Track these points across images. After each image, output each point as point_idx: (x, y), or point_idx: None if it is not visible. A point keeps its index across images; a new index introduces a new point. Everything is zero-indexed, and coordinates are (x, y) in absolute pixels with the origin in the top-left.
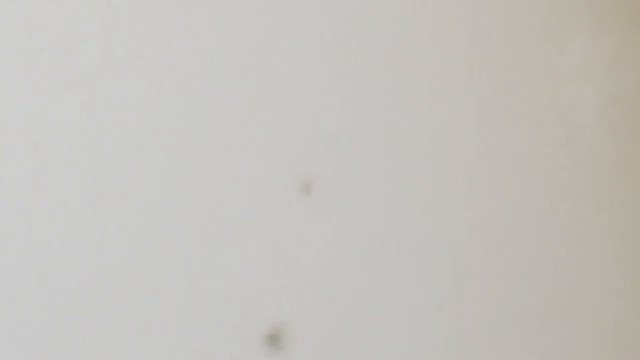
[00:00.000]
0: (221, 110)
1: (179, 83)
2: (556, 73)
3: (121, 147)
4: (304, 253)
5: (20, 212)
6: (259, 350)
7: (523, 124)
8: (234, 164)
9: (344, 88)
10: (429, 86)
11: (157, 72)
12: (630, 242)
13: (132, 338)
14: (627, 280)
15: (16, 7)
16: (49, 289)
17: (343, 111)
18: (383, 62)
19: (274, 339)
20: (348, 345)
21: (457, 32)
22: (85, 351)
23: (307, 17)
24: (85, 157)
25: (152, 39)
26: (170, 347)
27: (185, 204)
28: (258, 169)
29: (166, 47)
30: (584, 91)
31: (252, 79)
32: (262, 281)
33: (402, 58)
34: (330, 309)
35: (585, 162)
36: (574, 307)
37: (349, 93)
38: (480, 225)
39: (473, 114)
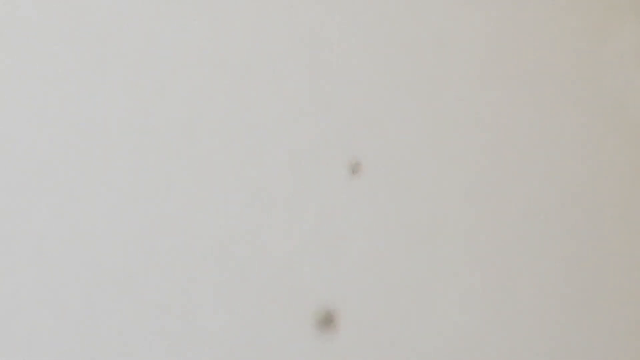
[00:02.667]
0: (273, 94)
1: (232, 65)
2: (604, 60)
3: (170, 126)
4: (353, 234)
5: (66, 209)
6: (310, 333)
7: (571, 111)
8: (283, 146)
9: (393, 72)
10: (475, 70)
11: (210, 52)
12: None
13: (182, 322)
14: None
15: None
16: (100, 271)
17: (392, 95)
18: (429, 45)
19: (325, 322)
20: (397, 327)
21: (504, 17)
22: (131, 334)
23: (355, 1)
24: (131, 140)
25: (202, 22)
26: (220, 330)
27: (235, 186)
28: (308, 151)
29: (218, 29)
30: (632, 78)
31: (303, 65)
32: (312, 263)
33: (447, 42)
34: (379, 291)
35: (635, 149)
36: (620, 291)
37: (398, 77)
38: (528, 209)
39: (520, 100)
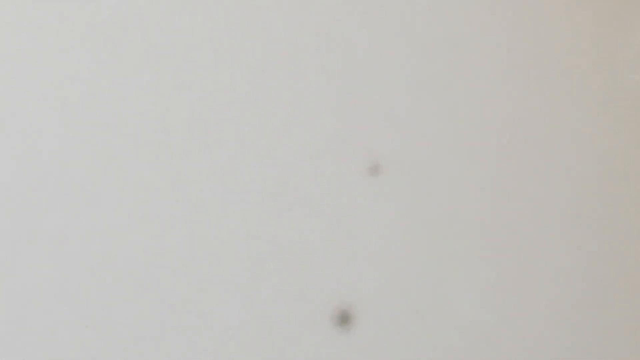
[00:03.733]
0: (292, 94)
1: (253, 64)
2: (620, 57)
3: (190, 124)
4: (371, 233)
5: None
6: (327, 330)
7: (588, 108)
8: (303, 146)
9: (412, 72)
10: (493, 69)
11: (231, 49)
12: None
13: (199, 318)
14: None
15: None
16: (114, 266)
17: (410, 95)
18: (447, 45)
19: (342, 318)
20: (415, 324)
21: (521, 16)
22: (149, 330)
23: (376, 2)
24: (151, 137)
25: (222, 19)
26: (238, 327)
27: (254, 185)
28: (327, 151)
29: (238, 26)
30: None
31: (323, 65)
32: (330, 261)
33: (465, 42)
34: (396, 288)
35: None
36: (638, 286)
37: (416, 77)
38: (545, 206)
39: (537, 97)
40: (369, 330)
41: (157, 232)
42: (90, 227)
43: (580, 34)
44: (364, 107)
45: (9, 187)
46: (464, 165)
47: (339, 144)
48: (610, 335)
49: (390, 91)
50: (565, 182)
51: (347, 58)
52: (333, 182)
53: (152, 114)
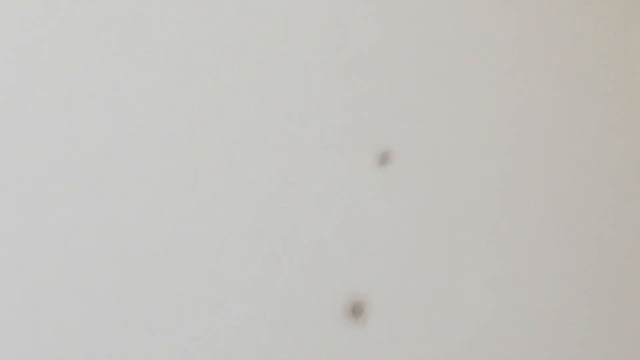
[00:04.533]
0: (303, 85)
1: (263, 56)
2: (632, 51)
3: (202, 116)
4: (382, 224)
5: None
6: (340, 322)
7: (599, 102)
8: (313, 137)
9: (422, 63)
10: (504, 62)
11: (242, 42)
12: None
13: (213, 312)
14: None
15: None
16: (126, 259)
17: (420, 86)
18: (459, 36)
19: (355, 311)
20: (426, 315)
21: (533, 8)
22: (161, 325)
23: None
24: (164, 130)
25: (237, 15)
26: (251, 319)
27: (265, 177)
28: (337, 142)
29: (249, 19)
30: None
31: (333, 56)
32: (343, 252)
33: (476, 33)
34: (408, 279)
35: None
36: None
37: (426, 68)
38: (555, 199)
39: (548, 91)
40: (380, 322)
41: (169, 227)
42: (100, 222)
43: (591, 29)
44: (374, 98)
45: (18, 182)
46: (473, 157)
47: (348, 134)
48: (622, 330)
49: (399, 82)
50: (577, 176)
51: (357, 50)
52: (343, 173)
53: (162, 108)
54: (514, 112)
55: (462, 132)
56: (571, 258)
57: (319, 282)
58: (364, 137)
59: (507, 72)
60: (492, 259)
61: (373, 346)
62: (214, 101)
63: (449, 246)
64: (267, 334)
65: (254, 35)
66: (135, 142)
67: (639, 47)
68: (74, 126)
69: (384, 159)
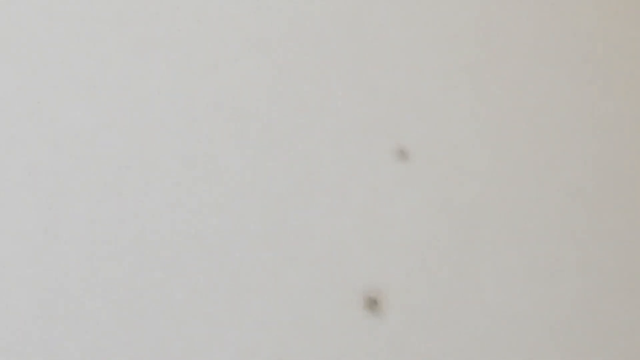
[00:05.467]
0: (321, 80)
1: (281, 51)
2: None
3: (220, 110)
4: (399, 217)
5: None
6: (358, 314)
7: (615, 95)
8: (334, 131)
9: (439, 59)
10: (520, 57)
11: (258, 42)
12: None
13: (233, 304)
14: None
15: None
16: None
17: (438, 83)
18: (475, 32)
19: (372, 303)
20: (443, 308)
21: (551, 4)
22: (179, 318)
23: None
24: (182, 123)
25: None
26: (270, 312)
27: (284, 171)
28: (356, 137)
29: (267, 17)
30: None
31: (352, 52)
32: (360, 245)
33: (492, 29)
34: (425, 272)
35: None
36: None
37: (444, 64)
38: (572, 192)
39: (565, 84)
40: (397, 314)
41: (188, 221)
42: (119, 217)
43: (607, 24)
44: (392, 94)
45: (39, 177)
46: (490, 151)
47: (366, 129)
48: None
49: (417, 78)
50: (594, 168)
51: (376, 45)
52: (361, 169)
53: (183, 100)
54: (531, 107)
55: (479, 128)
56: (588, 250)
57: (336, 275)
58: (382, 132)
59: (524, 67)
60: (508, 252)
61: (390, 338)
62: (233, 96)
63: (466, 240)
64: (286, 324)
65: (273, 30)
66: (156, 136)
67: None
68: (95, 121)
69: (401, 154)
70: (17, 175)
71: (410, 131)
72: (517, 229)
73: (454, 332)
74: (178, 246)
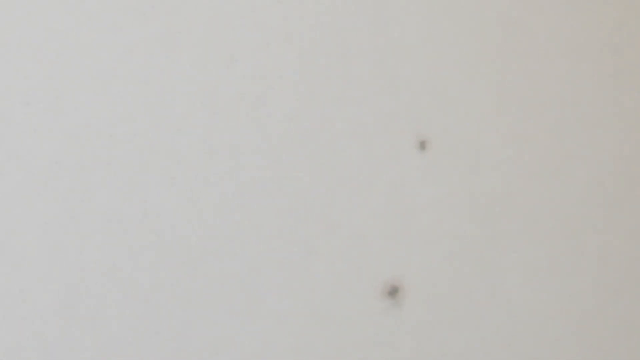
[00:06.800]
0: (342, 72)
1: (302, 43)
2: None
3: (240, 104)
4: (421, 208)
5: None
6: (378, 304)
7: (634, 91)
8: (356, 122)
9: (460, 50)
10: (540, 49)
11: (280, 33)
12: None
13: (254, 294)
14: None
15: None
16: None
17: (459, 72)
18: (495, 24)
19: (393, 292)
20: (464, 299)
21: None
22: (199, 313)
23: None
24: (200, 120)
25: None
26: (291, 301)
27: (307, 160)
28: (377, 128)
29: (285, 6)
30: None
31: (373, 43)
32: (381, 235)
33: (513, 21)
34: (446, 263)
35: None
36: None
37: (465, 55)
38: (593, 183)
39: (584, 77)
40: (418, 305)
41: (210, 213)
42: (142, 210)
43: (628, 20)
44: (413, 84)
45: (59, 171)
46: (510, 141)
47: (388, 120)
48: None
49: (437, 68)
50: (616, 161)
51: (397, 36)
52: (383, 159)
53: (205, 93)
54: (553, 98)
55: (501, 119)
56: (611, 244)
57: (358, 265)
58: (404, 122)
59: (546, 59)
60: (530, 244)
61: (411, 328)
62: (256, 89)
63: (487, 231)
64: (307, 312)
65: (296, 22)
66: (178, 130)
67: None
68: (116, 116)
69: (423, 144)
70: (37, 172)
71: (431, 122)
72: (538, 221)
73: (474, 321)
74: (200, 240)
